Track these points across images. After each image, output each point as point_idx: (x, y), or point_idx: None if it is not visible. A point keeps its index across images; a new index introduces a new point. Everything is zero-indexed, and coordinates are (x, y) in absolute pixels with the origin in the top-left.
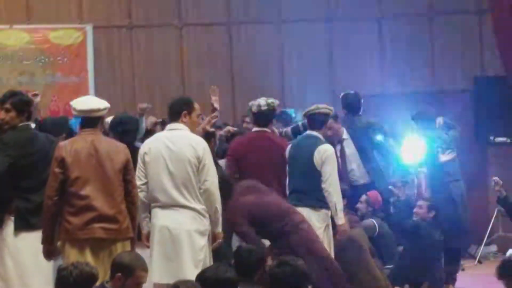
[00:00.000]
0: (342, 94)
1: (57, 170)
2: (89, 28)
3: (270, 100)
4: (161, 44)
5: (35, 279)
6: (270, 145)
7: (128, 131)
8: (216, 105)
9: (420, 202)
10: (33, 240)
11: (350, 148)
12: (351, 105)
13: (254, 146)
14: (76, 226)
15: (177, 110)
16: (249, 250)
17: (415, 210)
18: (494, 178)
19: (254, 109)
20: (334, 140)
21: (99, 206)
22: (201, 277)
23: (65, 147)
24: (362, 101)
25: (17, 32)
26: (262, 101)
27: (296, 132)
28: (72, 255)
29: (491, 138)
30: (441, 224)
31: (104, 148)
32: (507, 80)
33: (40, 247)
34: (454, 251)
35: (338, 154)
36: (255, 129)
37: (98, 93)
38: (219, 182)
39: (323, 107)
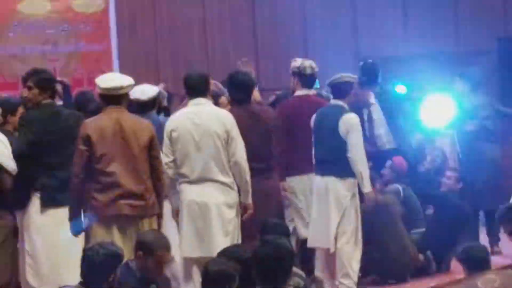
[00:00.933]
0: (361, 63)
1: (82, 147)
2: None
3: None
4: (184, 10)
5: (63, 256)
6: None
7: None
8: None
9: (448, 173)
10: (60, 216)
11: (377, 113)
12: (369, 75)
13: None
14: (103, 203)
15: (204, 87)
16: None
17: (443, 180)
18: None
19: (309, 71)
20: (361, 105)
21: (125, 183)
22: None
23: (90, 125)
24: (379, 70)
25: (39, 1)
26: (311, 63)
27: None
28: (99, 233)
29: None
30: (470, 192)
31: (129, 125)
32: None
33: (67, 223)
34: (491, 212)
35: (366, 118)
36: (309, 92)
37: (121, 61)
38: None
39: (347, 76)
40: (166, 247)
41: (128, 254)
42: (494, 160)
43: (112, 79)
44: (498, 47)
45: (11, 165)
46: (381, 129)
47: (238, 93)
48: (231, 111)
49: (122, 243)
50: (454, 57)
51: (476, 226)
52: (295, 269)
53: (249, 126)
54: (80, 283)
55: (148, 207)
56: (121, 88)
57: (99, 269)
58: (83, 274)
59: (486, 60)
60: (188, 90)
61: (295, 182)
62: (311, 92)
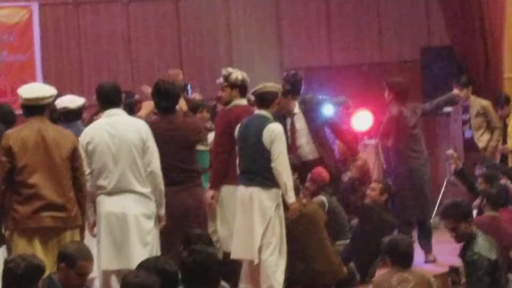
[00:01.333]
0: (284, 74)
1: (3, 158)
2: (34, 6)
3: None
4: (108, 20)
5: None
6: None
7: None
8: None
9: (372, 185)
10: None
11: (300, 122)
12: (293, 85)
13: None
14: (24, 215)
15: (117, 97)
16: None
17: (367, 191)
18: (449, 151)
19: (246, 82)
20: (285, 115)
21: (47, 194)
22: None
23: (12, 136)
24: (302, 81)
25: None
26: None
27: None
28: (20, 245)
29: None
30: (399, 204)
31: (51, 136)
32: (453, 49)
33: None
34: (422, 223)
35: (289, 128)
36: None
37: (45, 71)
38: None
39: (271, 85)
40: (88, 258)
41: (50, 266)
42: (420, 171)
43: (34, 89)
44: (421, 57)
45: None
46: (303, 139)
47: (162, 102)
48: (153, 120)
49: (44, 255)
50: (378, 67)
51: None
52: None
53: (169, 137)
54: None
55: (70, 218)
56: (44, 98)
57: (20, 281)
58: (4, 286)
59: (409, 70)
60: (101, 101)
61: (225, 192)
62: (245, 102)
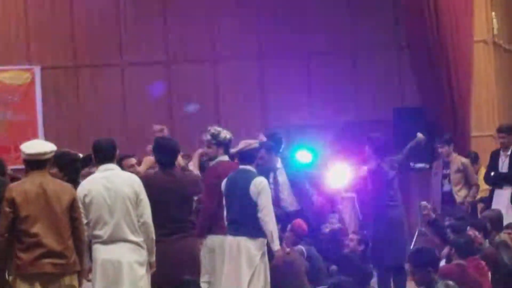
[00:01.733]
0: (267, 132)
1: (7, 209)
2: (37, 69)
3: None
4: (105, 82)
5: None
6: None
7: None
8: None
9: (351, 236)
10: None
11: (282, 176)
12: (275, 142)
13: None
14: (26, 262)
15: (112, 153)
16: None
17: (346, 242)
18: (422, 202)
19: (229, 140)
20: (268, 169)
21: (48, 242)
22: None
23: (15, 188)
24: (282, 140)
25: None
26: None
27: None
28: None
29: (412, 164)
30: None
31: (51, 189)
32: (424, 110)
33: None
34: (398, 269)
35: (272, 181)
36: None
37: (46, 129)
38: None
39: (253, 142)
40: None
41: None
42: (399, 220)
43: (35, 145)
44: (394, 117)
45: None
46: (285, 192)
47: (163, 157)
48: (154, 172)
49: None
50: (354, 126)
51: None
52: None
53: (170, 189)
54: None
55: (69, 265)
56: (45, 154)
57: None
58: None
59: (383, 129)
60: (97, 156)
61: (215, 241)
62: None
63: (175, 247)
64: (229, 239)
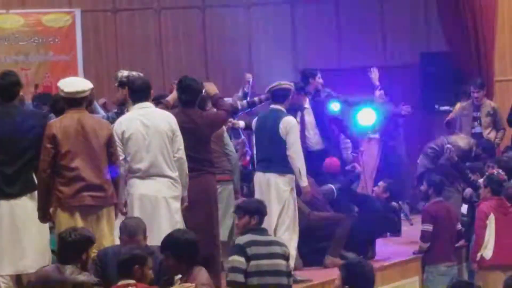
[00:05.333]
0: (301, 70)
1: (48, 145)
2: (77, 12)
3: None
4: (142, 26)
5: (25, 242)
6: None
7: None
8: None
9: (380, 183)
10: (10, 207)
11: (309, 116)
12: (302, 84)
13: None
14: (67, 195)
15: (147, 92)
16: None
17: (374, 188)
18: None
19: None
20: (296, 108)
21: (87, 176)
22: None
23: (55, 125)
24: (310, 79)
25: (13, 16)
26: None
27: (252, 105)
28: (63, 220)
29: (436, 107)
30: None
31: (89, 125)
32: (450, 55)
33: (16, 213)
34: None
35: (299, 120)
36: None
37: (86, 70)
38: None
39: (284, 83)
40: (144, 232)
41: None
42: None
43: (73, 83)
44: (420, 62)
45: None
46: (311, 131)
47: (184, 95)
48: (175, 113)
49: None
50: (381, 70)
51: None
52: None
53: (185, 129)
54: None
55: (107, 197)
56: (82, 91)
57: (72, 248)
58: (59, 252)
59: (410, 74)
60: (133, 94)
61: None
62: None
63: (196, 183)
64: (259, 175)
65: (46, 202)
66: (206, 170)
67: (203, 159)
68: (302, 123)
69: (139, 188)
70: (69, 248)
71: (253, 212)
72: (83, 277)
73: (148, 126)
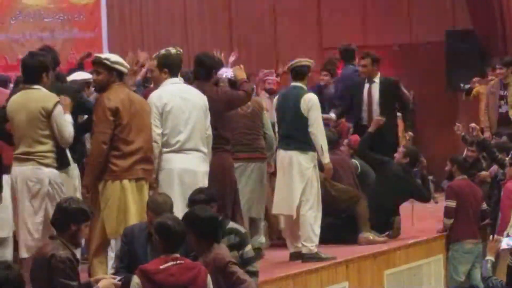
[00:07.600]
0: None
1: (111, 118)
2: None
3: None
4: (167, 2)
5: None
6: None
7: None
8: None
9: (400, 148)
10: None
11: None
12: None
13: None
14: (122, 168)
15: (180, 67)
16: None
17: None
18: (472, 124)
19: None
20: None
21: (141, 149)
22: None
23: (113, 97)
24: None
25: None
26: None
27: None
28: (114, 193)
29: (461, 85)
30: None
31: (137, 99)
32: (475, 32)
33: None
34: None
35: (366, 92)
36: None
37: (110, 47)
38: None
39: (304, 60)
40: (171, 208)
41: (139, 209)
42: None
43: (117, 57)
44: (446, 40)
45: None
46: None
47: (198, 70)
48: None
49: (133, 202)
50: (406, 48)
51: None
52: (233, 225)
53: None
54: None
55: (151, 170)
56: (125, 66)
57: (63, 216)
58: (54, 219)
59: (435, 52)
60: (168, 68)
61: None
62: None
63: (214, 161)
64: (281, 153)
65: (97, 175)
66: (222, 148)
67: (217, 135)
68: (370, 96)
69: (177, 162)
70: (60, 215)
71: None
72: (62, 252)
73: (187, 100)
